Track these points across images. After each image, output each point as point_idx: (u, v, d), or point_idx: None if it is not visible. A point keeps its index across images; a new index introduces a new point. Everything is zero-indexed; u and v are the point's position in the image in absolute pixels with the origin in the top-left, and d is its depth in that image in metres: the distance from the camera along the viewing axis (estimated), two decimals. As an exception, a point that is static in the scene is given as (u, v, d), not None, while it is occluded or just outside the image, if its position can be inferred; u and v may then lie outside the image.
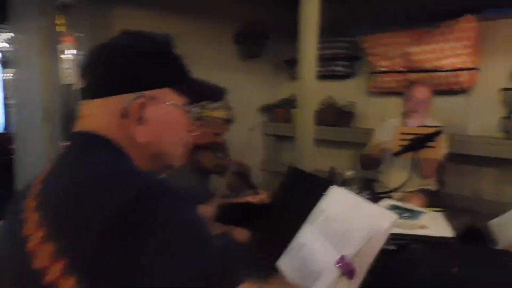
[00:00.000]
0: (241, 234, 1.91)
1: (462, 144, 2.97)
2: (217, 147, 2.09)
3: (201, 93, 1.00)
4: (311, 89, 2.75)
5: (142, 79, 0.82)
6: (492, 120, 3.13)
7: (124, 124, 0.81)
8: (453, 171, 3.05)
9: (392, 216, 1.17)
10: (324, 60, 3.97)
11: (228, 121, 2.09)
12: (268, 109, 4.49)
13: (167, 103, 0.84)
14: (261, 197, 2.07)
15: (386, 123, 3.05)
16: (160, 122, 0.84)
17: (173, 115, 0.87)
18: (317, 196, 1.35)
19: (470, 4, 3.18)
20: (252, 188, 2.20)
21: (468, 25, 3.06)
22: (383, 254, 1.21)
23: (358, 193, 2.36)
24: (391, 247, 1.33)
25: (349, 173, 2.06)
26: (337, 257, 1.17)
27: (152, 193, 0.68)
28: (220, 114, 2.05)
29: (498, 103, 3.12)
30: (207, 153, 2.04)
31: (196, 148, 1.99)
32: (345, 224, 1.19)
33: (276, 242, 1.43)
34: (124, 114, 0.80)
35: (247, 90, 4.22)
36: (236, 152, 3.93)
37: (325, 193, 1.33)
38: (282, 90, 4.46)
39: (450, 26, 3.15)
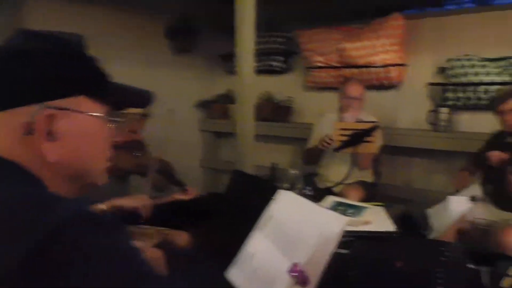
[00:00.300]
0: (181, 237, 1.83)
1: (393, 137, 3.11)
2: (135, 145, 1.94)
3: (124, 100, 0.89)
4: (250, 84, 2.72)
5: (48, 87, 0.69)
6: (420, 113, 3.29)
7: (30, 142, 0.68)
8: (386, 163, 3.18)
9: (343, 219, 1.16)
10: (260, 55, 3.96)
11: (144, 116, 1.94)
12: (204, 105, 4.40)
13: (82, 114, 0.72)
14: (190, 193, 1.99)
15: (325, 118, 3.11)
16: (75, 136, 0.72)
17: (91, 126, 0.75)
18: (265, 201, 1.31)
19: (397, 2, 3.31)
20: (178, 184, 2.10)
21: (396, 22, 3.19)
22: (335, 258, 1.20)
23: (301, 190, 2.38)
24: (343, 251, 1.33)
25: (293, 172, 2.04)
26: (289, 265, 1.14)
27: (72, 224, 0.58)
28: (136, 109, 1.89)
29: (426, 97, 3.29)
30: (124, 153, 1.88)
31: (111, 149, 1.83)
32: (296, 230, 1.16)
33: (224, 251, 1.37)
34: (28, 130, 0.67)
35: (181, 86, 4.10)
36: (172, 150, 3.83)
37: (273, 197, 1.30)
38: (218, 85, 4.39)
39: (380, 24, 3.26)
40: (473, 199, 1.92)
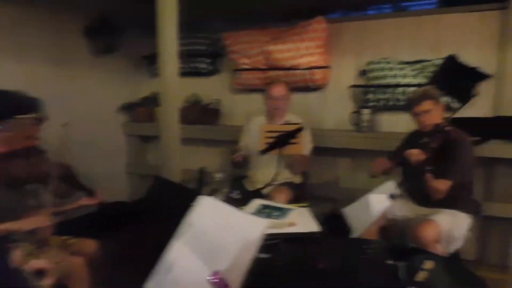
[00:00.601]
0: (88, 246, 1.70)
1: (319, 138, 3.16)
2: (31, 152, 1.79)
3: (9, 108, 0.81)
4: (174, 86, 2.63)
5: None
6: (344, 114, 3.41)
7: None
8: (314, 163, 3.22)
9: (263, 223, 1.13)
10: (186, 56, 3.87)
11: (39, 120, 1.79)
12: (128, 108, 4.20)
13: None
14: (98, 196, 1.86)
15: (253, 121, 3.10)
16: None
17: None
18: (185, 209, 1.25)
19: (321, 6, 3.40)
20: (83, 189, 1.97)
21: (319, 26, 3.26)
22: (256, 262, 1.16)
23: (228, 193, 2.34)
24: (264, 255, 1.30)
25: (218, 175, 1.99)
26: (210, 272, 1.09)
27: None
28: (28, 115, 1.74)
29: (349, 99, 3.41)
30: (18, 161, 1.73)
31: (4, 158, 1.68)
32: (216, 237, 1.11)
33: (142, 261, 1.29)
34: None
35: (103, 88, 3.89)
36: (95, 155, 3.62)
37: (193, 204, 1.24)
38: (142, 88, 4.23)
39: (304, 27, 3.32)
40: (392, 196, 1.99)
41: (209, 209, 1.17)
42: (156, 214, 1.42)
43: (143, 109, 4.12)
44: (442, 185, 2.24)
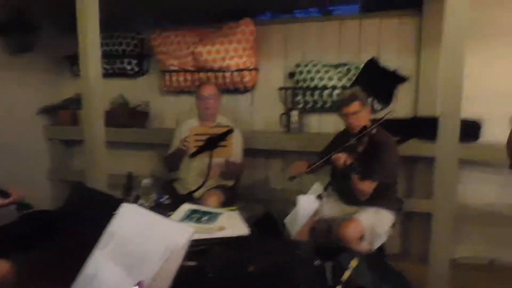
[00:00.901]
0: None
1: (249, 139, 3.18)
2: None
3: None
4: (97, 88, 2.50)
5: None
6: (273, 116, 3.45)
7: None
8: (245, 165, 3.22)
9: (189, 230, 1.09)
10: (112, 57, 3.71)
11: None
12: (50, 111, 3.94)
13: None
14: (13, 196, 1.71)
15: (185, 124, 3.05)
16: None
17: None
18: (107, 217, 1.18)
19: (249, 8, 3.41)
20: None
21: (247, 28, 3.27)
22: (183, 270, 1.13)
23: (157, 199, 2.26)
24: (191, 263, 1.27)
25: (145, 181, 1.91)
26: (134, 284, 1.04)
27: None
28: None
29: (278, 101, 3.45)
30: None
31: None
32: (140, 247, 1.06)
33: (61, 276, 1.20)
34: None
35: (20, 89, 3.62)
36: (15, 161, 3.34)
37: (116, 212, 1.18)
38: (65, 89, 4.00)
39: (231, 28, 3.31)
40: (320, 196, 2.04)
41: (132, 217, 1.11)
42: (75, 223, 1.33)
43: (65, 112, 3.89)
44: (367, 187, 2.33)
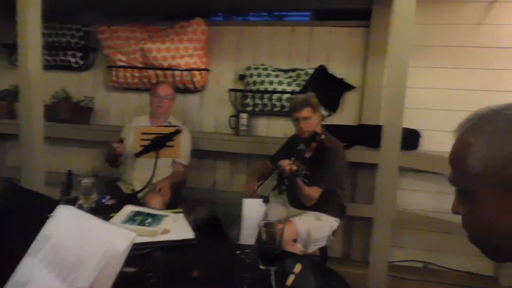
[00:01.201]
0: None
1: (198, 140, 3.14)
2: None
3: None
4: (37, 80, 2.36)
5: None
6: (223, 117, 3.43)
7: None
8: (192, 166, 3.17)
9: (130, 234, 1.05)
10: (55, 48, 3.52)
11: None
12: (-17, 102, 3.67)
13: None
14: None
15: (135, 121, 2.96)
16: None
17: None
18: (41, 219, 1.10)
19: (199, 7, 3.37)
20: None
21: (198, 27, 3.23)
22: (123, 276, 1.08)
23: (99, 199, 2.16)
24: (130, 270, 1.21)
25: (86, 180, 1.82)
26: (68, 292, 0.98)
27: None
28: None
29: (228, 103, 3.43)
30: None
31: None
32: (76, 252, 1.00)
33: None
34: None
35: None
36: None
37: (51, 214, 1.10)
38: (1, 80, 3.73)
39: (183, 27, 3.26)
40: (266, 199, 2.05)
41: (68, 220, 1.05)
42: (4, 226, 1.23)
43: (1, 104, 3.64)
44: (314, 192, 2.35)
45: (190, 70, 3.27)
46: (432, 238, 3.21)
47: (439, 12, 3.01)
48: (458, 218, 2.71)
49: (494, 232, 0.68)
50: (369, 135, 3.04)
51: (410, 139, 2.96)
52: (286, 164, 2.20)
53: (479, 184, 0.66)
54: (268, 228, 1.40)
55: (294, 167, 2.17)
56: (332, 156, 2.42)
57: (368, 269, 2.23)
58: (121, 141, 2.65)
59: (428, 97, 3.06)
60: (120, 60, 3.39)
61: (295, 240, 2.31)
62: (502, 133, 0.63)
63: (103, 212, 1.93)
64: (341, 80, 3.22)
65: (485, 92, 2.98)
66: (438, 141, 3.01)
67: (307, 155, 2.27)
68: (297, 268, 1.34)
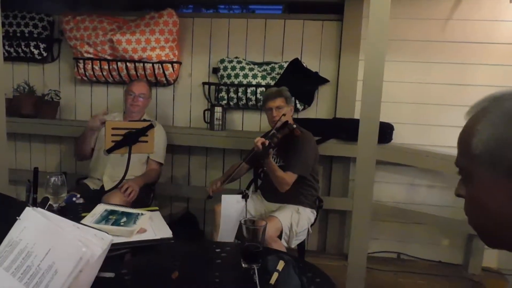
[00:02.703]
0: None
1: (171, 135, 3.06)
2: None
3: None
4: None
5: None
6: (196, 111, 3.36)
7: None
8: (167, 161, 3.09)
9: (106, 238, 0.98)
10: (16, 39, 3.34)
11: None
12: None
13: None
14: None
15: (108, 117, 2.85)
16: None
17: None
18: (7, 224, 1.02)
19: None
20: None
21: (170, 19, 3.12)
22: (100, 282, 1.02)
23: (69, 198, 2.06)
24: (109, 275, 1.15)
25: (54, 178, 1.72)
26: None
27: None
28: None
29: (202, 96, 3.36)
30: None
31: None
32: (47, 258, 0.93)
33: None
34: None
35: None
36: None
37: (19, 218, 1.02)
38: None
39: (154, 18, 3.14)
40: (244, 195, 2.01)
41: (37, 224, 0.97)
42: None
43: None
44: (287, 176, 2.36)
45: (161, 62, 3.17)
46: (404, 229, 3.26)
47: (410, 6, 3.04)
48: (428, 209, 2.78)
49: (485, 215, 0.69)
50: (343, 128, 3.04)
51: (384, 132, 2.98)
52: (258, 139, 2.22)
53: (478, 164, 0.68)
54: (250, 225, 1.37)
55: (266, 142, 2.19)
56: (302, 143, 2.46)
57: (344, 261, 2.24)
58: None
59: (399, 91, 3.09)
60: (87, 52, 3.24)
61: (279, 236, 2.30)
62: (506, 116, 0.65)
63: (73, 211, 1.84)
64: (315, 73, 3.20)
65: (454, 86, 3.04)
66: (408, 134, 3.06)
67: (279, 135, 2.26)
68: (280, 265, 1.32)
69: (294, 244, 2.46)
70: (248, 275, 1.30)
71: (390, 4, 1.98)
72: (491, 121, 0.67)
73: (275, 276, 1.26)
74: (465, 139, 0.71)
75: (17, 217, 1.02)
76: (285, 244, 2.35)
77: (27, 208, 1.02)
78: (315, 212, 2.61)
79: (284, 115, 2.45)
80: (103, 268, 1.07)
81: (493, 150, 0.65)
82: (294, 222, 2.42)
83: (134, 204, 2.48)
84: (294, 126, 2.38)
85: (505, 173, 0.64)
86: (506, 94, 0.69)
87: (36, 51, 3.38)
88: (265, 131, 2.89)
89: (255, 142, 2.24)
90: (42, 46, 3.39)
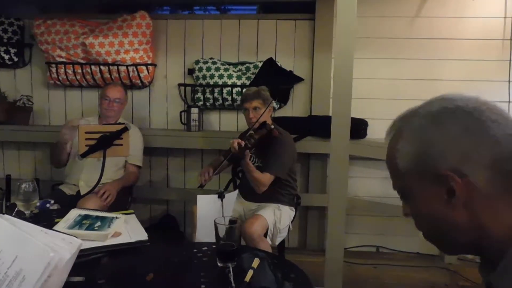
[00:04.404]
0: None
1: (147, 137, 3.04)
2: None
3: None
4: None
5: None
6: (172, 113, 3.35)
7: None
8: (145, 164, 3.07)
9: (75, 242, 0.98)
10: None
11: None
12: None
13: None
14: None
15: (83, 121, 2.81)
16: None
17: None
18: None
19: (142, 1, 3.25)
20: None
21: (143, 21, 3.11)
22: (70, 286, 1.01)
23: (42, 204, 2.04)
24: (78, 279, 1.14)
25: (26, 185, 1.69)
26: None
27: None
28: None
29: (177, 98, 3.35)
30: None
31: None
32: (15, 264, 0.92)
33: None
34: None
35: None
36: None
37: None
38: None
39: (126, 21, 3.12)
40: (221, 195, 2.02)
41: (4, 231, 0.96)
42: None
43: None
44: (264, 178, 2.37)
45: (136, 65, 3.15)
46: (382, 223, 3.32)
47: (377, 4, 3.10)
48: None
49: (432, 225, 0.73)
50: (319, 126, 3.08)
51: (358, 128, 3.03)
52: (234, 140, 2.23)
53: (410, 180, 0.72)
54: (224, 224, 1.38)
55: (243, 143, 2.19)
56: (279, 144, 2.47)
57: (323, 257, 2.27)
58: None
59: (371, 87, 3.15)
60: (60, 56, 3.19)
61: (264, 235, 2.32)
62: (418, 130, 0.71)
63: (47, 218, 1.81)
64: (290, 72, 3.23)
65: (424, 81, 3.12)
66: (382, 129, 3.08)
67: (256, 136, 2.27)
68: (255, 263, 1.33)
69: (278, 242, 2.48)
70: (223, 274, 1.32)
71: (357, 3, 2.02)
72: (406, 138, 0.72)
73: (250, 273, 1.27)
74: (390, 161, 0.76)
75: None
76: (269, 242, 2.37)
77: (-6, 215, 1.01)
78: (293, 209, 2.63)
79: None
80: (76, 273, 1.07)
81: (416, 163, 0.70)
82: (277, 219, 2.44)
83: (111, 208, 2.45)
84: (272, 126, 2.39)
85: (433, 180, 0.69)
86: (412, 111, 0.75)
87: (6, 56, 3.32)
88: (242, 130, 2.90)
89: (231, 142, 2.25)
90: (12, 51, 3.32)
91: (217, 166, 2.50)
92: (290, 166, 2.57)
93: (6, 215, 0.98)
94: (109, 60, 3.11)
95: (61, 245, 0.92)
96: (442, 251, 0.78)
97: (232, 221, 1.43)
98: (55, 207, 2.22)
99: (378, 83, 3.17)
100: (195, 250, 1.54)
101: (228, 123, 3.35)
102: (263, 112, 2.46)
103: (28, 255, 0.91)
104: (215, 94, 3.18)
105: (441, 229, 0.71)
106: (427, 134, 0.69)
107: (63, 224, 1.59)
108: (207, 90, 3.20)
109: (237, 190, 2.21)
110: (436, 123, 0.69)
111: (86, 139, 2.33)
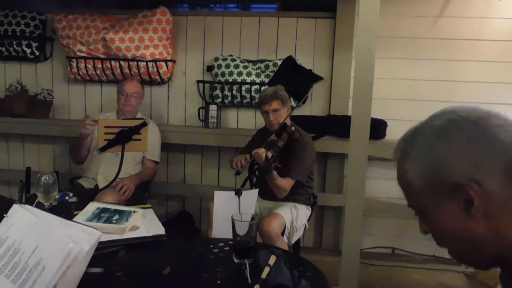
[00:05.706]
0: None
1: (165, 134, 3.05)
2: None
3: None
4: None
5: None
6: (191, 110, 3.36)
7: None
8: (162, 160, 3.09)
9: (94, 234, 0.98)
10: (7, 37, 3.33)
11: None
12: None
13: None
14: None
15: (101, 115, 2.86)
16: None
17: None
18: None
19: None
20: None
21: (163, 17, 3.12)
22: (89, 278, 1.02)
23: (61, 197, 2.06)
24: (97, 270, 1.15)
25: (45, 177, 1.71)
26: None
27: None
28: None
29: (196, 94, 3.36)
30: None
31: None
32: (35, 255, 0.93)
33: None
34: None
35: None
36: None
37: (5, 215, 1.02)
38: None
39: (147, 16, 3.14)
40: (238, 192, 2.01)
41: (24, 220, 0.97)
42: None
43: None
44: (286, 184, 2.35)
45: (155, 61, 3.16)
46: (399, 225, 3.27)
47: (400, 3, 3.05)
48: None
49: (454, 240, 0.72)
50: (337, 125, 3.05)
51: (377, 128, 2.98)
52: (262, 151, 2.19)
53: (425, 197, 0.72)
54: (241, 221, 1.37)
55: (270, 154, 2.16)
56: (301, 147, 2.44)
57: (340, 257, 2.25)
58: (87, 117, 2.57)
59: (391, 88, 3.10)
60: (80, 51, 3.23)
61: (282, 233, 2.31)
62: (425, 147, 0.71)
63: (66, 210, 1.83)
64: (309, 71, 3.20)
65: (445, 83, 3.06)
66: (401, 130, 3.02)
67: (280, 143, 2.26)
68: (272, 260, 1.32)
69: (294, 240, 2.47)
70: (239, 270, 1.31)
71: (380, 2, 1.99)
72: (414, 157, 0.73)
73: (266, 270, 1.26)
74: (402, 181, 0.76)
75: (4, 214, 1.01)
76: (286, 240, 2.36)
77: (14, 205, 1.02)
78: (310, 208, 2.61)
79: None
80: (94, 265, 1.07)
81: (428, 179, 0.71)
82: (294, 217, 2.43)
83: (129, 203, 2.47)
84: (293, 128, 2.37)
85: (449, 193, 0.68)
86: (415, 130, 0.76)
87: (28, 50, 3.37)
88: (259, 128, 2.88)
89: (259, 154, 2.19)
90: (34, 45, 3.37)
91: (250, 156, 2.46)
92: (310, 168, 2.55)
93: (27, 205, 0.99)
94: (129, 55, 3.14)
95: (81, 236, 0.92)
96: (475, 268, 0.76)
97: (250, 218, 1.42)
98: (74, 200, 2.25)
99: (397, 83, 3.11)
100: (211, 246, 1.53)
101: (246, 120, 3.34)
102: (286, 117, 2.42)
103: (48, 245, 0.91)
104: (234, 91, 3.18)
105: (463, 243, 0.70)
106: (435, 149, 0.69)
107: (81, 216, 1.61)
108: (226, 87, 3.19)
109: (257, 190, 2.20)
110: (442, 137, 0.70)
111: (105, 133, 2.35)
